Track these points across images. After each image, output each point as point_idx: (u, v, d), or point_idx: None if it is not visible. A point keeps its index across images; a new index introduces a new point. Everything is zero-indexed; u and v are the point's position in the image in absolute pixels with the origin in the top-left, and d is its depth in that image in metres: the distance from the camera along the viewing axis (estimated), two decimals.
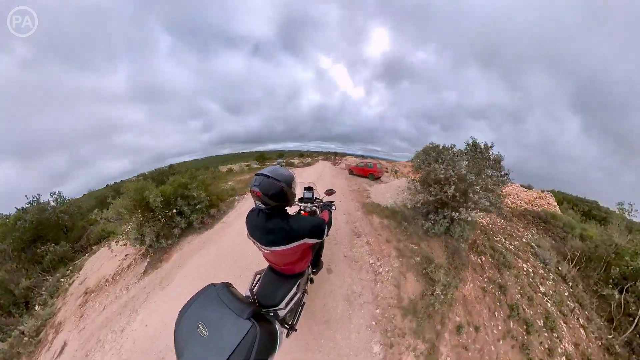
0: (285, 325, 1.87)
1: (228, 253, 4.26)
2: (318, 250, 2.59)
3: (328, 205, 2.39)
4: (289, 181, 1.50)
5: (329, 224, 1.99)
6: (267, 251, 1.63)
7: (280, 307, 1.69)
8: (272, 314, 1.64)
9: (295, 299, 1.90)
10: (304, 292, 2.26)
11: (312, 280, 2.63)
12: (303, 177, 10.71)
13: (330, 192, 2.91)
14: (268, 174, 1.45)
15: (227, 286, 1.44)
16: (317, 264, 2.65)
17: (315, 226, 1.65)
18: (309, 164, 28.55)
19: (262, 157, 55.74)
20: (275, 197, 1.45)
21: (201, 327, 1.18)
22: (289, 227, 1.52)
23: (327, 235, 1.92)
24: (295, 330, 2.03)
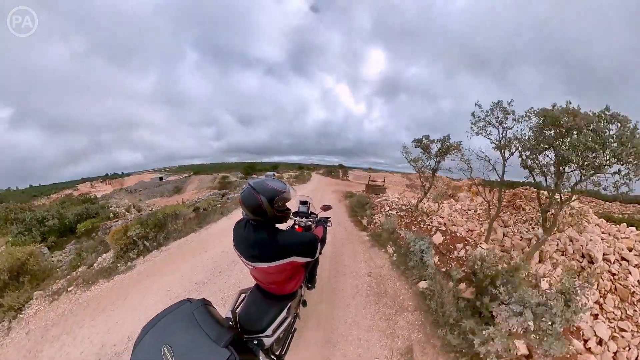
0: (272, 357, 1.63)
1: None
2: (313, 267, 2.41)
3: (324, 221, 2.28)
4: (272, 196, 1.34)
5: (323, 241, 1.85)
6: (250, 267, 1.47)
7: (266, 333, 1.47)
8: (255, 342, 1.43)
9: (285, 324, 1.68)
10: (296, 316, 2.05)
11: (305, 303, 2.43)
12: None
13: (326, 208, 2.81)
14: (252, 185, 1.35)
15: (205, 304, 1.26)
16: (310, 282, 2.47)
17: (307, 243, 1.51)
18: (299, 179, 14.70)
19: (252, 169, 50.49)
20: (252, 210, 1.33)
21: (166, 351, 0.99)
22: (276, 242, 1.37)
23: (320, 253, 1.76)
24: None
